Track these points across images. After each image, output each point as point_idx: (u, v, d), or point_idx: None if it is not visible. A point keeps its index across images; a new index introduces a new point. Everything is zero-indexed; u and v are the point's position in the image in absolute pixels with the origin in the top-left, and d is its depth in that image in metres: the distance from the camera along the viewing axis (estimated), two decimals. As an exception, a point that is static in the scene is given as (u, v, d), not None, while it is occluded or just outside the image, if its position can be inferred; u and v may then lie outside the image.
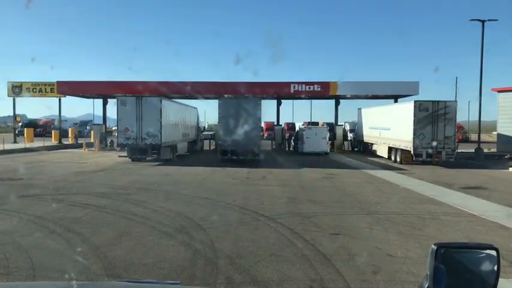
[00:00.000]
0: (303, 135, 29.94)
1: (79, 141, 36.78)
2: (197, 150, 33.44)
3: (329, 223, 9.13)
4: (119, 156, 23.62)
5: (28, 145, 33.54)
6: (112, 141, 33.64)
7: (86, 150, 31.47)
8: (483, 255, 1.73)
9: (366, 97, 35.87)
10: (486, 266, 1.69)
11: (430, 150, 22.57)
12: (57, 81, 34.82)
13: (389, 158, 25.74)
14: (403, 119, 23.80)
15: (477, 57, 26.70)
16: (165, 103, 24.00)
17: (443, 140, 22.45)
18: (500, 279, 1.68)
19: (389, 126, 26.12)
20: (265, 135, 45.51)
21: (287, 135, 38.85)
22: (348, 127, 38.73)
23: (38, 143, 35.27)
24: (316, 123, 46.11)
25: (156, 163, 22.48)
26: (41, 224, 8.69)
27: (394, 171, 20.27)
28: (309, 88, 32.84)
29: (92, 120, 57.72)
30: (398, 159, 24.22)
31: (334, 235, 8.14)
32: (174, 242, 7.50)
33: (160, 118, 22.76)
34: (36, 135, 42.38)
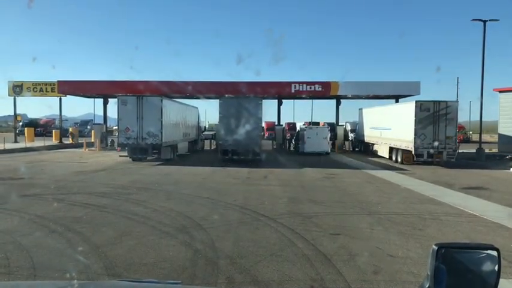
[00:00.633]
0: (304, 135, 29.94)
1: (80, 141, 36.80)
2: (198, 150, 33.45)
3: (330, 223, 9.13)
4: (120, 156, 23.64)
5: (29, 145, 33.55)
6: (113, 141, 33.68)
7: (87, 149, 31.47)
8: (484, 255, 1.73)
9: (367, 97, 35.86)
10: (487, 267, 1.69)
11: (431, 151, 22.55)
12: (58, 81, 34.84)
13: (390, 158, 25.73)
14: (404, 119, 23.79)
15: (479, 57, 26.69)
16: (166, 103, 24.00)
17: (444, 140, 22.43)
18: (501, 279, 1.67)
19: (391, 126, 26.10)
20: (266, 135, 45.55)
21: (288, 135, 38.86)
22: (349, 127, 38.72)
23: (39, 142, 35.28)
24: (317, 123, 46.13)
25: (156, 163, 22.49)
26: (42, 224, 8.69)
27: (395, 171, 20.26)
28: (310, 88, 32.83)
29: (92, 120, 57.78)
30: (399, 160, 24.20)
31: (335, 235, 8.13)
32: (175, 241, 7.50)
33: (161, 118, 22.76)
34: (36, 134, 42.39)
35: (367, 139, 31.30)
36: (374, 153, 29.07)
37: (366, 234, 8.26)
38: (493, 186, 15.70)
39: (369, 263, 6.48)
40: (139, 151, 22.96)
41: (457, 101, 23.83)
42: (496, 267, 1.68)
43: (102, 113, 37.83)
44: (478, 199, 12.63)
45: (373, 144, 29.98)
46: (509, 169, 21.31)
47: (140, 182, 15.18)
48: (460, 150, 25.53)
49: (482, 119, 28.22)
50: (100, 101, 37.78)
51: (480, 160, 25.76)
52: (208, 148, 35.73)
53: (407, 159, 23.44)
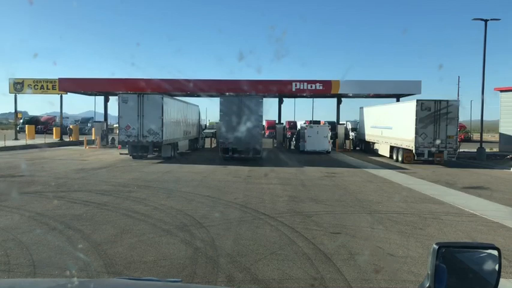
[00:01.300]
0: (305, 134, 29.94)
1: (80, 139, 36.84)
2: (198, 148, 33.47)
3: (330, 222, 9.13)
4: (120, 154, 23.65)
5: (29, 142, 33.55)
6: (113, 139, 33.72)
7: (87, 147, 31.50)
8: (484, 255, 1.73)
9: (368, 96, 35.86)
10: (487, 266, 1.69)
11: (432, 150, 22.55)
12: (59, 78, 34.86)
13: (391, 157, 25.71)
14: (405, 118, 23.78)
15: (480, 56, 26.62)
16: (167, 100, 23.98)
17: (445, 140, 22.44)
18: (501, 279, 1.67)
19: (391, 125, 26.09)
20: (266, 133, 45.52)
21: (289, 133, 38.85)
22: (349, 126, 38.72)
23: (39, 139, 35.31)
24: (318, 122, 46.12)
25: (157, 161, 22.49)
26: (42, 221, 8.70)
27: (396, 170, 20.25)
28: (311, 86, 32.81)
29: (93, 118, 57.79)
30: (400, 159, 24.19)
31: (335, 234, 8.13)
32: (175, 239, 7.50)
33: (162, 115, 22.76)
34: (37, 132, 42.41)
35: (368, 138, 31.29)
36: (375, 152, 29.06)
37: (366, 233, 8.26)
38: (494, 185, 15.68)
39: (369, 262, 6.47)
40: (140, 149, 22.99)
41: (458, 100, 23.85)
42: (497, 267, 1.67)
43: (102, 111, 37.84)
44: (478, 198, 12.62)
45: (374, 143, 29.97)
46: (510, 169, 21.29)
47: (141, 180, 15.19)
48: (460, 150, 25.51)
49: (484, 119, 28.20)
50: (101, 98, 37.79)
51: (481, 159, 25.74)
52: (209, 146, 35.74)
53: (408, 158, 23.44)
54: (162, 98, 23.19)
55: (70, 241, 7.32)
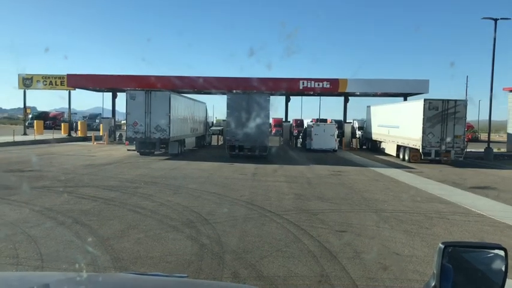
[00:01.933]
0: (311, 132, 29.90)
1: (88, 134, 37.06)
2: (205, 145, 33.54)
3: (336, 220, 9.13)
4: (128, 150, 23.76)
5: (38, 137, 33.80)
6: (121, 135, 33.87)
7: (95, 143, 31.66)
8: (491, 255, 1.73)
9: (375, 95, 35.74)
10: (494, 266, 1.69)
11: (439, 149, 22.46)
12: (68, 74, 35.02)
13: (397, 156, 25.62)
14: (412, 117, 23.68)
15: (489, 55, 26.43)
16: (174, 97, 24.05)
17: (452, 139, 22.33)
18: (508, 279, 1.67)
19: (398, 124, 25.99)
20: (273, 131, 45.50)
21: (295, 131, 38.80)
22: (356, 124, 38.60)
23: (48, 135, 35.56)
24: (325, 120, 46.02)
25: (164, 157, 22.57)
26: (50, 216, 8.78)
27: (402, 169, 20.18)
28: (318, 85, 32.72)
29: (101, 114, 58.07)
30: (406, 158, 24.10)
31: (341, 232, 8.13)
32: (181, 235, 7.54)
33: (169, 112, 22.84)
34: (45, 127, 42.72)
35: (374, 137, 31.20)
36: (381, 151, 28.96)
37: (372, 232, 8.26)
38: (501, 185, 15.59)
39: (375, 261, 6.47)
40: (147, 145, 23.08)
41: (466, 100, 23.62)
42: (503, 267, 1.67)
43: (110, 107, 38.01)
44: (486, 199, 12.56)
45: (380, 142, 29.88)
46: (518, 169, 21.14)
47: (148, 176, 15.26)
48: (468, 150, 25.34)
49: (491, 119, 28.01)
50: (109, 94, 37.95)
51: (488, 159, 25.60)
52: (216, 143, 35.80)
53: (414, 157, 23.34)
54: (170, 95, 23.26)
55: (77, 236, 7.39)
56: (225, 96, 24.23)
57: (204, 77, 33.17)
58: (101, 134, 35.96)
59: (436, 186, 14.84)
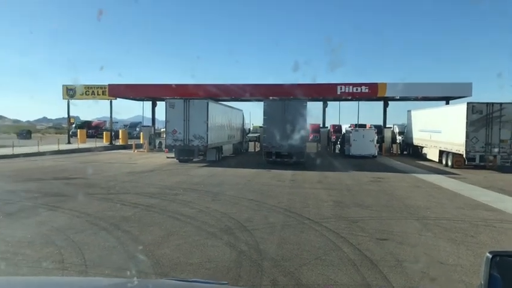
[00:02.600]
0: (350, 138, 29.54)
1: (129, 143, 38.06)
2: (242, 152, 33.73)
3: (376, 228, 8.94)
4: (167, 157, 24.22)
5: (81, 146, 35.01)
6: (160, 143, 34.61)
7: (136, 151, 32.46)
8: (542, 265, 1.64)
9: (416, 99, 34.91)
10: (546, 277, 1.60)
11: (483, 154, 21.68)
12: (109, 84, 36.12)
13: (440, 161, 24.91)
14: (455, 121, 22.98)
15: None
16: (212, 105, 24.36)
17: (498, 144, 21.53)
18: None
19: (441, 128, 25.29)
20: (310, 137, 45.21)
21: (333, 137, 38.42)
22: (396, 129, 37.81)
23: (90, 143, 36.76)
24: (364, 126, 45.32)
25: (202, 164, 22.86)
26: (93, 222, 9.04)
27: (445, 175, 19.58)
28: (356, 90, 32.30)
29: (141, 122, 59.47)
30: (449, 163, 23.39)
31: (382, 240, 7.95)
32: (220, 242, 7.58)
33: (207, 120, 23.15)
34: (88, 136, 44.21)
35: (415, 142, 30.47)
36: (423, 157, 28.23)
37: (414, 240, 8.03)
38: (552, 192, 14.85)
39: (417, 270, 6.29)
40: (186, 153, 23.47)
41: (512, 103, 22.72)
42: (557, 278, 1.59)
43: (150, 115, 38.92)
44: (535, 206, 11.98)
45: (422, 147, 29.15)
46: None
47: (186, 183, 15.48)
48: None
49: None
50: (149, 103, 38.87)
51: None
52: (253, 150, 35.94)
53: (458, 163, 22.62)
54: (207, 103, 23.59)
55: (119, 241, 7.56)
56: (261, 103, 24.33)
57: (240, 84, 33.43)
58: (141, 142, 36.89)
59: (481, 193, 14.30)
